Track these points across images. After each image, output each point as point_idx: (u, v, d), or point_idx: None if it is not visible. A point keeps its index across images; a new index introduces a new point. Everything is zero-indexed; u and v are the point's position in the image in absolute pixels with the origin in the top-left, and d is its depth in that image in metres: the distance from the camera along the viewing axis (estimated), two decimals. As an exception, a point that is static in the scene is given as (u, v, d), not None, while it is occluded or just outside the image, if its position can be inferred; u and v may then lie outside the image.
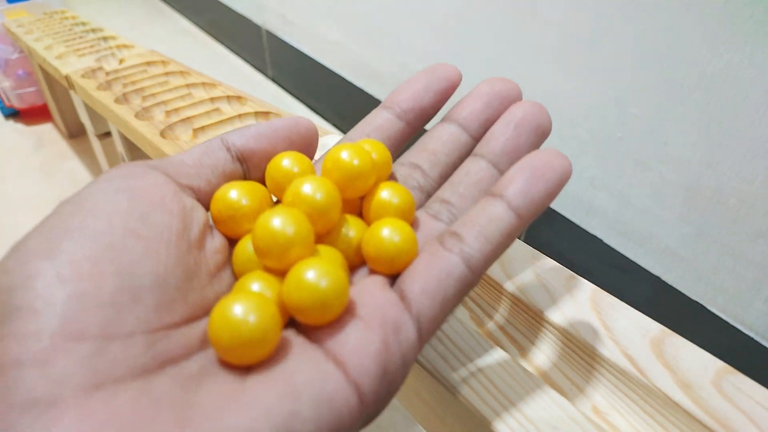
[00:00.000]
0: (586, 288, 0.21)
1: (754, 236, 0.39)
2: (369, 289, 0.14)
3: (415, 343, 0.13)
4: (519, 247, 0.23)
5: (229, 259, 0.15)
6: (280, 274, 0.14)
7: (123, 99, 0.43)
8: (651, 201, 0.44)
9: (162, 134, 0.36)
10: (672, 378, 0.17)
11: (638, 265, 0.48)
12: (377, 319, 0.13)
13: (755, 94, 0.35)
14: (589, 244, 0.51)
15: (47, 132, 0.87)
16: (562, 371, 0.20)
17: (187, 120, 0.38)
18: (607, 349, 0.18)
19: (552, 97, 0.49)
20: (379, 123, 0.18)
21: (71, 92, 0.53)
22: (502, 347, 0.21)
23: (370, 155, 0.16)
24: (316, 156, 0.26)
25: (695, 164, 0.40)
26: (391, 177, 0.18)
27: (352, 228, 0.15)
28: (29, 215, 0.70)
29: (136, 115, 0.39)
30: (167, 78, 0.46)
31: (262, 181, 0.17)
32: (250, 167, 0.17)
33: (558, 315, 0.20)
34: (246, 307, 0.12)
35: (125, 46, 0.57)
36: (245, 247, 0.15)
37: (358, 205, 0.17)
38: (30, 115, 0.91)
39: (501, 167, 0.17)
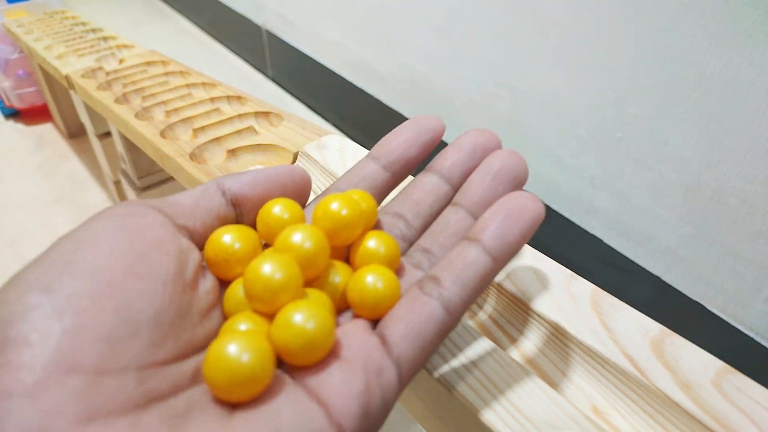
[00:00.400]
0: (586, 288, 0.21)
1: (754, 236, 0.39)
2: (352, 332, 0.15)
3: (396, 385, 0.14)
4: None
5: (219, 300, 0.16)
6: (268, 315, 0.15)
7: (123, 99, 0.43)
8: (651, 201, 0.44)
9: (162, 134, 0.36)
10: (672, 378, 0.17)
11: (638, 265, 0.48)
12: (360, 362, 0.14)
13: (755, 94, 0.35)
14: (589, 244, 0.51)
15: (47, 132, 0.87)
16: (562, 371, 0.20)
17: (187, 120, 0.38)
18: (607, 349, 0.18)
19: (552, 97, 0.49)
20: (366, 173, 0.19)
21: (71, 92, 0.53)
22: (501, 346, 0.21)
23: (358, 205, 0.17)
24: (317, 156, 0.26)
25: (695, 164, 0.40)
26: (377, 225, 0.19)
27: (339, 274, 0.16)
28: (29, 215, 0.70)
29: (136, 115, 0.39)
30: (167, 78, 0.46)
31: (254, 225, 0.17)
32: (244, 212, 0.17)
33: (558, 315, 0.20)
34: (242, 346, 0.12)
35: (125, 46, 0.57)
36: (237, 289, 0.15)
37: (345, 252, 0.18)
38: (30, 115, 0.91)
39: (479, 216, 0.17)
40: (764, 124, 0.35)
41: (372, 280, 0.15)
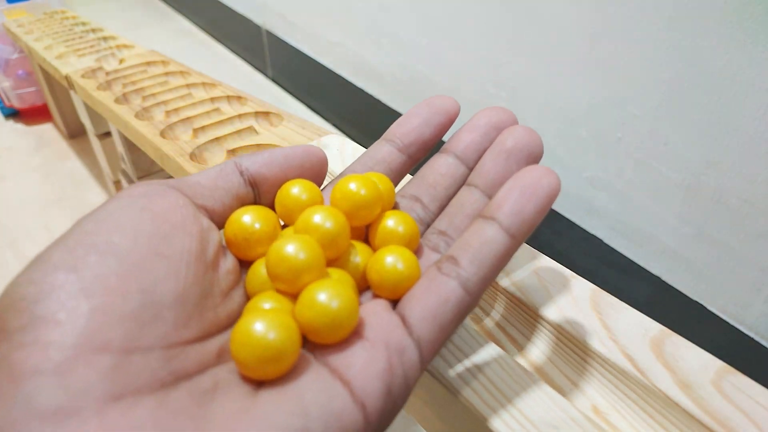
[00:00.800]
0: (586, 288, 0.21)
1: (754, 236, 0.39)
2: (374, 312, 0.15)
3: (417, 365, 0.14)
4: (519, 247, 0.23)
5: (240, 280, 0.16)
6: (292, 295, 0.15)
7: (123, 99, 0.43)
8: (651, 201, 0.44)
9: (162, 134, 0.36)
10: (672, 378, 0.17)
11: (638, 265, 0.48)
12: (382, 341, 0.13)
13: (755, 94, 0.35)
14: (589, 244, 0.51)
15: (47, 132, 0.87)
16: (562, 371, 0.20)
17: (187, 120, 0.38)
18: (607, 349, 0.18)
19: (552, 96, 0.49)
20: (381, 156, 0.19)
21: (71, 92, 0.53)
22: (501, 347, 0.21)
23: (376, 185, 0.17)
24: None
25: (695, 164, 0.40)
26: (394, 208, 0.18)
27: (359, 254, 0.16)
28: (29, 215, 0.70)
29: (136, 115, 0.39)
30: (167, 78, 0.46)
31: (271, 206, 0.17)
32: (261, 192, 0.17)
33: (558, 315, 0.20)
34: (269, 324, 0.13)
35: (125, 46, 0.57)
36: (259, 269, 0.15)
37: (364, 232, 0.18)
38: (30, 115, 0.91)
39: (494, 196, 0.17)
40: (764, 124, 0.35)
41: (392, 260, 0.15)
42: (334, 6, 0.75)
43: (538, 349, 0.20)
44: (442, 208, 0.19)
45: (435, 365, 0.18)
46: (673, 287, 0.46)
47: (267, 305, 0.14)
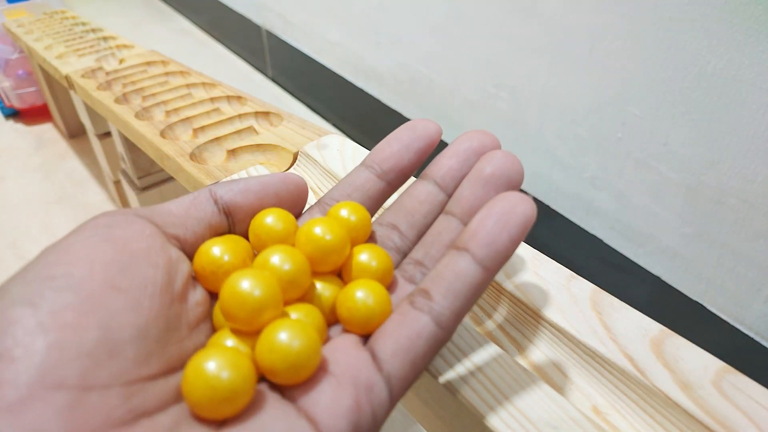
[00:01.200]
0: (586, 288, 0.21)
1: (754, 236, 0.39)
2: (343, 348, 0.14)
3: (387, 402, 0.14)
4: (519, 247, 0.23)
5: (209, 312, 0.15)
6: (255, 332, 0.14)
7: (123, 99, 0.43)
8: (651, 201, 0.44)
9: (162, 134, 0.36)
10: (672, 378, 0.17)
11: (638, 265, 0.48)
12: (349, 378, 0.13)
13: (755, 94, 0.35)
14: (589, 244, 0.51)
15: (47, 132, 0.87)
16: (562, 371, 0.20)
17: (187, 120, 0.38)
18: (607, 349, 0.18)
19: (552, 96, 0.49)
20: (360, 183, 0.19)
21: (71, 92, 0.53)
22: (501, 347, 0.21)
23: (343, 229, 0.16)
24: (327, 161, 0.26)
25: (695, 164, 0.40)
26: (371, 237, 0.18)
27: (329, 288, 0.16)
28: (29, 215, 0.70)
29: (136, 115, 0.39)
30: (167, 78, 0.46)
31: (246, 235, 0.17)
32: (236, 221, 0.17)
33: (558, 315, 0.20)
34: (220, 362, 0.12)
35: (125, 46, 0.57)
36: None
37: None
38: (30, 115, 0.91)
39: None
40: (764, 124, 0.35)
41: (362, 295, 0.15)
42: (333, 6, 0.75)
43: (538, 349, 0.20)
44: (420, 235, 0.18)
45: (435, 365, 0.18)
46: (673, 287, 0.46)
47: (229, 342, 0.14)
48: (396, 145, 0.19)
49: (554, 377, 0.19)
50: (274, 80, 1.00)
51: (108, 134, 0.60)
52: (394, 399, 0.14)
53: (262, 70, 1.03)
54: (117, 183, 0.65)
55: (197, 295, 0.15)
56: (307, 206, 0.19)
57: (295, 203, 0.18)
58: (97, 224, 0.14)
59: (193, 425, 0.12)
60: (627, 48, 0.42)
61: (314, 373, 0.13)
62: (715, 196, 0.40)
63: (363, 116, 0.79)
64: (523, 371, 0.17)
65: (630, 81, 0.42)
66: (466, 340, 0.18)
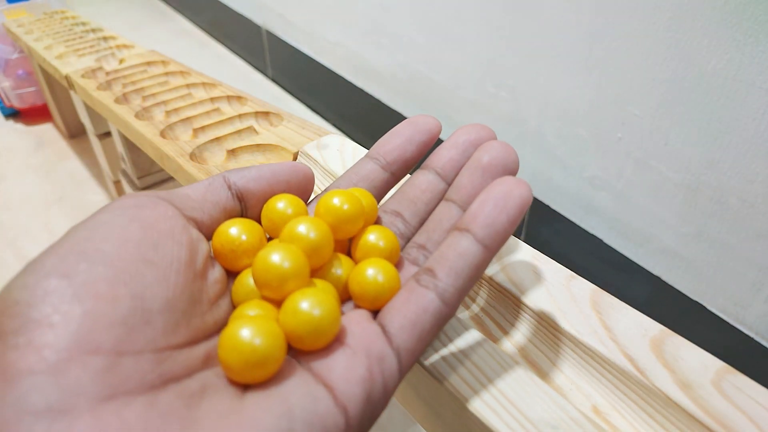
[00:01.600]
0: (586, 288, 0.21)
1: (754, 236, 0.39)
2: (356, 321, 0.15)
3: (396, 373, 0.14)
4: (519, 247, 0.23)
5: (227, 289, 0.16)
6: (276, 302, 0.15)
7: (123, 99, 0.43)
8: (651, 201, 0.44)
9: (162, 134, 0.36)
10: (672, 378, 0.17)
11: (638, 265, 0.48)
12: (363, 349, 0.14)
13: (755, 93, 0.35)
14: (589, 243, 0.51)
15: (47, 132, 0.87)
16: (562, 371, 0.20)
17: (187, 120, 0.38)
18: (607, 349, 0.18)
19: (552, 96, 0.49)
20: (365, 173, 0.20)
21: (71, 92, 0.53)
22: (501, 347, 0.21)
23: (359, 200, 0.17)
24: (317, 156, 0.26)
25: (695, 164, 0.40)
26: (377, 222, 0.19)
27: (342, 266, 0.17)
28: (29, 215, 0.70)
29: (136, 115, 0.39)
30: (167, 78, 0.46)
31: (257, 220, 0.18)
32: (248, 206, 0.18)
33: (558, 315, 0.20)
34: (256, 330, 0.13)
35: (125, 46, 0.57)
36: (245, 279, 0.16)
37: (347, 246, 0.18)
38: (30, 115, 0.91)
39: None
40: (764, 124, 0.35)
41: (373, 272, 0.16)
42: (334, 6, 0.75)
43: (538, 349, 0.20)
44: (422, 222, 0.19)
45: (435, 365, 0.18)
46: (673, 287, 0.46)
47: (252, 313, 0.15)
48: (399, 139, 0.20)
49: (554, 377, 0.19)
50: (274, 80, 1.00)
51: (108, 134, 0.60)
52: (403, 371, 0.15)
53: (262, 70, 1.03)
54: (117, 183, 0.65)
55: (216, 273, 0.16)
56: (313, 196, 0.20)
57: (302, 191, 0.19)
58: (124, 205, 0.15)
59: (219, 389, 0.13)
60: (627, 48, 0.42)
61: (330, 344, 0.14)
62: (715, 196, 0.40)
63: (363, 116, 0.79)
64: (522, 371, 0.17)
65: (630, 81, 0.42)
66: (465, 340, 0.18)
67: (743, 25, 0.34)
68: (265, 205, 0.17)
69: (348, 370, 0.13)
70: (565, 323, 0.20)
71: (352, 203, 0.17)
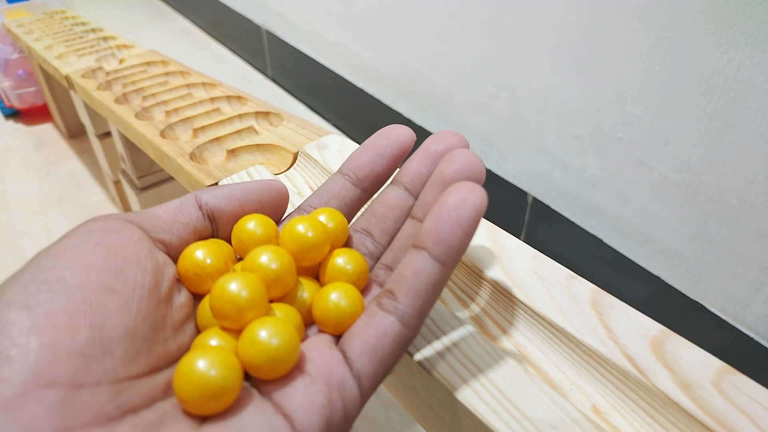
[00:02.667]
0: (586, 288, 0.21)
1: (754, 236, 0.39)
2: (317, 347, 0.15)
3: (357, 399, 0.14)
4: (519, 246, 0.23)
5: (193, 313, 0.16)
6: (237, 331, 0.15)
7: (123, 99, 0.43)
8: (651, 201, 0.44)
9: (162, 134, 0.36)
10: (672, 378, 0.17)
11: (638, 265, 0.48)
12: (322, 376, 0.14)
13: (755, 93, 0.35)
14: (589, 244, 0.51)
15: (47, 132, 0.87)
16: (562, 371, 0.20)
17: (187, 120, 0.38)
18: (607, 349, 0.18)
19: (552, 97, 0.49)
20: (336, 191, 0.20)
21: (71, 92, 0.53)
22: (501, 347, 0.21)
23: (323, 227, 0.17)
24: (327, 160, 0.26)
25: (695, 164, 0.40)
26: (347, 243, 0.19)
27: (307, 290, 0.17)
28: (29, 215, 0.70)
29: (136, 115, 0.39)
30: (167, 78, 0.46)
31: (229, 239, 0.18)
32: (219, 226, 0.18)
33: (558, 315, 0.20)
34: (210, 361, 0.13)
35: (125, 46, 0.57)
36: (208, 304, 0.16)
37: (316, 268, 0.18)
38: (30, 115, 0.91)
39: None
40: (764, 124, 0.35)
41: (335, 297, 0.16)
42: (333, 6, 0.75)
43: (538, 349, 0.20)
44: (391, 240, 0.19)
45: (434, 365, 0.18)
46: (673, 287, 0.46)
47: (213, 342, 0.15)
48: (369, 153, 0.19)
49: (554, 377, 0.19)
50: (274, 80, 1.00)
51: (108, 134, 0.60)
52: (364, 396, 0.15)
53: (262, 70, 1.03)
54: (117, 183, 0.65)
55: (182, 297, 0.16)
56: (288, 211, 0.20)
57: (276, 209, 0.19)
58: (90, 229, 0.15)
59: (177, 421, 0.13)
60: (627, 48, 0.42)
61: (290, 372, 0.14)
62: (716, 196, 0.40)
63: (363, 116, 0.79)
64: (522, 371, 0.17)
65: (630, 81, 0.42)
66: (465, 340, 0.18)
67: (743, 25, 0.34)
68: (234, 226, 0.17)
69: (307, 399, 0.13)
70: (565, 323, 0.20)
71: (316, 230, 0.17)
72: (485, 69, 0.55)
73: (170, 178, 0.55)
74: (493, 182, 0.59)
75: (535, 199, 0.56)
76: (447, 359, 0.18)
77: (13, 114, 0.91)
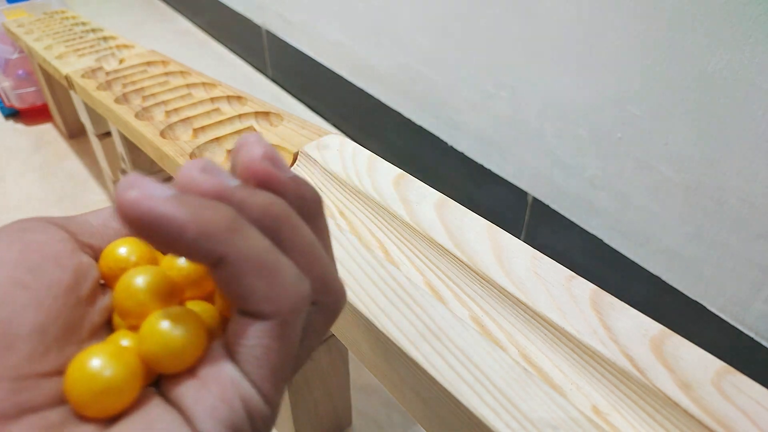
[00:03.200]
0: (586, 288, 0.21)
1: (754, 236, 0.39)
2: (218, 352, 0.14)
3: (264, 407, 0.13)
4: (519, 246, 0.23)
5: None
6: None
7: (123, 99, 0.43)
8: (651, 201, 0.44)
9: (162, 134, 0.36)
10: (672, 378, 0.17)
11: (638, 265, 0.48)
12: (212, 377, 0.13)
13: (755, 93, 0.35)
14: (589, 244, 0.51)
15: (47, 132, 0.87)
16: (562, 371, 0.20)
17: (187, 120, 0.38)
18: (607, 349, 0.18)
19: (552, 97, 0.49)
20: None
21: (71, 92, 0.53)
22: (501, 347, 0.21)
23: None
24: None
25: (695, 164, 0.40)
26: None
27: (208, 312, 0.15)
28: (29, 215, 0.70)
29: (136, 115, 0.39)
30: (167, 78, 0.46)
31: None
32: None
33: (558, 315, 0.20)
34: (100, 357, 0.12)
35: (125, 46, 0.57)
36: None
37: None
38: (30, 115, 0.91)
39: None
40: (764, 124, 0.35)
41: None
42: (333, 6, 0.75)
43: (538, 349, 0.20)
44: None
45: (434, 365, 0.18)
46: (673, 287, 0.46)
47: (125, 342, 0.14)
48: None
49: (554, 377, 0.19)
50: (274, 80, 1.00)
51: (108, 134, 0.60)
52: (267, 396, 0.14)
53: (262, 70, 1.03)
54: (117, 183, 0.65)
55: (106, 300, 0.15)
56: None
57: None
58: (11, 228, 0.14)
59: (80, 424, 0.12)
60: (627, 48, 0.42)
61: (194, 374, 0.13)
62: (716, 196, 0.40)
63: (363, 116, 0.79)
64: (523, 371, 0.17)
65: (630, 81, 0.42)
66: (465, 340, 0.18)
67: (743, 25, 0.34)
68: (103, 252, 0.16)
69: (210, 404, 0.12)
70: (565, 323, 0.20)
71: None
72: (485, 69, 0.55)
73: (170, 178, 0.55)
74: (493, 182, 0.59)
75: (535, 199, 0.56)
76: (447, 359, 0.18)
77: (13, 114, 0.91)
